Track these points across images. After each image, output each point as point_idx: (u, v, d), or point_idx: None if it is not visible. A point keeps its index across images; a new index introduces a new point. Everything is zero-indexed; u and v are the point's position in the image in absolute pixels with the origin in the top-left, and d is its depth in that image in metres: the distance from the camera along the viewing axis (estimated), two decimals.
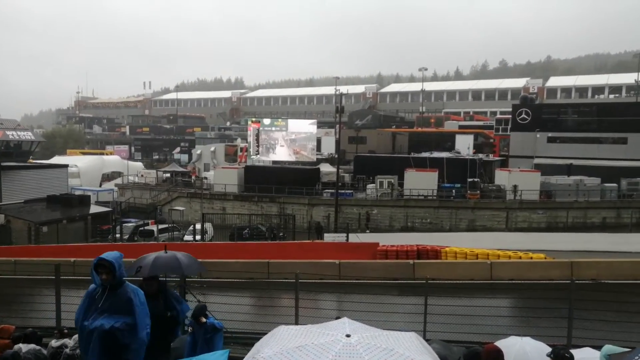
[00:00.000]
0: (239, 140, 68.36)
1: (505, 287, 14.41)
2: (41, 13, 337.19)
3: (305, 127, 57.05)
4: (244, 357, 3.22)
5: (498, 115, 69.75)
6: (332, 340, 2.86)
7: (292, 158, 53.81)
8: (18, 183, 35.30)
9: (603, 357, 4.45)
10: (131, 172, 55.82)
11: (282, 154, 54.25)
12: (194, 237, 30.01)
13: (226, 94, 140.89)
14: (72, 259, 17.34)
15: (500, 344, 4.84)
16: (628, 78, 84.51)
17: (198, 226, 30.90)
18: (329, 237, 28.53)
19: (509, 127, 54.49)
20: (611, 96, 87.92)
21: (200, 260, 18.05)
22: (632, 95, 77.54)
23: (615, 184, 39.88)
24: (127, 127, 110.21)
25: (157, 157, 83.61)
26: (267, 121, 56.77)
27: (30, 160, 45.50)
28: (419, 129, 73.34)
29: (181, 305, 6.18)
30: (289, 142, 54.39)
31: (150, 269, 6.01)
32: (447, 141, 59.12)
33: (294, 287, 9.84)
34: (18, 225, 30.20)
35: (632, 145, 45.17)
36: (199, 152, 61.73)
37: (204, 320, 6.26)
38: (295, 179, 44.12)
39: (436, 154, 48.85)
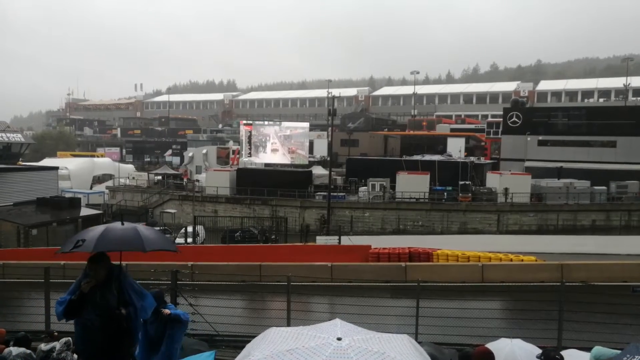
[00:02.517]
0: (231, 142, 68.20)
1: (496, 289, 14.48)
2: (29, 16, 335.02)
3: (300, 124, 56.83)
4: None
5: (489, 119, 70.15)
6: (323, 343, 2.86)
7: (287, 158, 53.23)
8: (7, 185, 34.89)
9: (592, 358, 4.50)
10: (122, 175, 55.47)
11: (276, 155, 53.68)
12: (186, 240, 29.87)
13: (218, 96, 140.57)
14: (62, 262, 17.17)
15: (491, 346, 4.87)
16: (617, 82, 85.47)
17: (190, 229, 30.77)
18: (321, 240, 28.53)
19: (500, 130, 54.86)
20: (600, 100, 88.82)
21: (191, 263, 17.97)
22: (621, 99, 78.35)
23: (604, 187, 40.27)
24: (119, 129, 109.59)
25: (148, 159, 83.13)
26: (258, 123, 56.63)
27: (20, 163, 45.02)
28: (411, 132, 73.62)
29: (144, 300, 4.82)
30: (282, 138, 53.56)
31: (96, 243, 4.47)
32: (438, 144, 59.38)
33: (286, 290, 9.83)
34: (7, 228, 29.86)
35: (621, 149, 45.67)
36: (190, 154, 61.48)
37: (168, 312, 5.19)
38: (287, 182, 44.07)
39: (428, 157, 49.09)
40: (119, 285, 4.69)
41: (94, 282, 4.55)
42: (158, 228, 33.34)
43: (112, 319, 4.61)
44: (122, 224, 4.87)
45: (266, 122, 54.98)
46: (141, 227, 4.96)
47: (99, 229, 4.71)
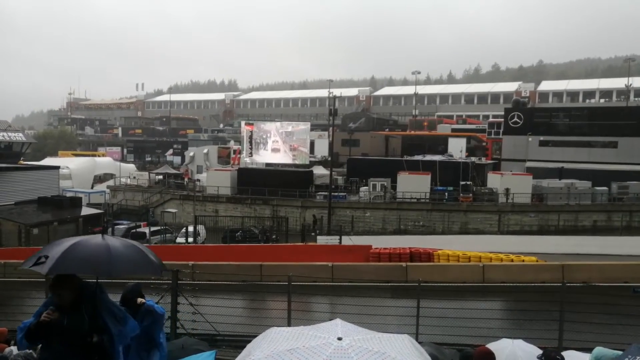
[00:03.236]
0: (232, 142, 68.29)
1: (497, 289, 14.46)
2: (31, 16, 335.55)
3: (301, 123, 56.82)
4: None
5: (491, 119, 70.05)
6: (323, 343, 2.85)
7: (289, 156, 52.94)
8: (8, 184, 34.96)
9: (594, 359, 4.49)
10: (123, 174, 55.55)
11: (277, 155, 53.42)
12: (187, 240, 29.90)
13: (219, 96, 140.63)
14: None
15: (492, 346, 4.87)
16: (618, 83, 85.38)
17: (190, 228, 30.79)
18: (322, 240, 28.53)
19: (501, 130, 54.82)
20: (602, 100, 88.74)
21: (192, 262, 17.89)
22: (622, 100, 78.28)
23: (605, 188, 40.23)
24: (120, 128, 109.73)
25: (149, 159, 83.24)
26: (260, 121, 56.60)
27: (21, 162, 45.09)
28: (412, 132, 73.59)
29: (124, 325, 4.14)
30: (284, 135, 53.27)
31: (54, 264, 3.79)
32: (439, 144, 59.35)
33: (287, 290, 9.83)
34: (8, 227, 29.92)
35: (622, 149, 45.61)
36: (191, 154, 61.54)
37: (142, 300, 4.80)
38: (288, 182, 44.10)
39: (429, 157, 49.06)
40: (92, 307, 3.99)
41: (57, 315, 3.88)
42: (159, 228, 33.31)
43: (81, 349, 3.92)
44: (103, 237, 4.20)
45: (266, 119, 54.98)
46: (118, 245, 4.15)
47: (65, 245, 4.02)
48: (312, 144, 58.74)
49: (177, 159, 73.46)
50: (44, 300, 4.15)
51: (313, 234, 32.71)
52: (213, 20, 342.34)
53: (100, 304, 4.07)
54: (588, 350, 4.88)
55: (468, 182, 41.50)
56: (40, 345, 4.12)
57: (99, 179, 59.82)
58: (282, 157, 53.24)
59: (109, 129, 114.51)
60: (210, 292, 11.72)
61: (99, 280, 4.18)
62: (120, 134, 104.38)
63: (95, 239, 4.16)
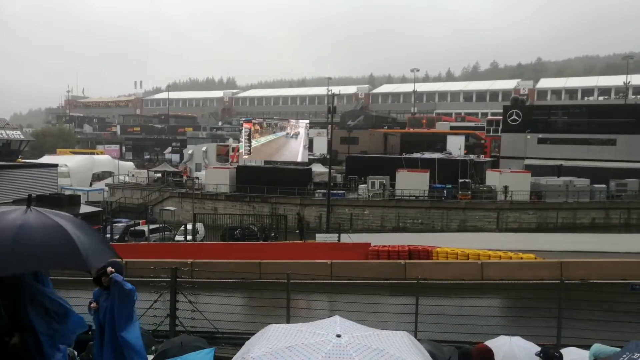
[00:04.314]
0: (230, 140, 68.20)
1: (495, 287, 14.49)
2: (28, 14, 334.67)
3: (300, 121, 56.88)
4: (233, 357, 3.21)
5: (489, 117, 70.17)
6: (322, 340, 2.86)
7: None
8: (7, 182, 34.85)
9: (592, 355, 4.50)
10: (122, 172, 55.44)
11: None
12: (186, 238, 29.87)
13: (218, 93, 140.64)
14: None
15: (490, 343, 4.87)
16: (617, 80, 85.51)
17: (189, 226, 30.76)
18: (320, 237, 28.51)
19: (499, 128, 54.86)
20: (600, 98, 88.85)
21: (191, 260, 17.83)
22: (621, 97, 78.34)
23: (604, 185, 40.28)
24: (118, 126, 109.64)
25: (148, 156, 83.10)
26: (259, 121, 56.35)
27: (19, 160, 44.99)
28: (411, 130, 73.58)
29: (63, 322, 3.26)
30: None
31: None
32: (438, 142, 59.37)
33: (286, 287, 9.83)
34: None
35: (621, 147, 45.66)
36: (190, 152, 61.45)
37: (112, 270, 4.44)
38: (287, 179, 44.06)
39: (428, 155, 49.04)
40: (13, 298, 3.06)
41: None
42: (158, 226, 33.27)
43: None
44: (30, 209, 3.19)
45: (266, 121, 54.85)
46: (35, 227, 3.02)
47: None
48: (310, 141, 58.66)
49: (175, 157, 73.40)
50: None
51: (298, 231, 32.79)
52: (211, 18, 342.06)
53: (27, 295, 3.13)
54: (586, 347, 4.89)
55: (467, 180, 41.50)
56: None
57: (98, 177, 59.74)
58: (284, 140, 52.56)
59: (107, 127, 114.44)
60: (209, 290, 11.72)
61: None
62: (118, 132, 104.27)
63: (11, 215, 3.05)
